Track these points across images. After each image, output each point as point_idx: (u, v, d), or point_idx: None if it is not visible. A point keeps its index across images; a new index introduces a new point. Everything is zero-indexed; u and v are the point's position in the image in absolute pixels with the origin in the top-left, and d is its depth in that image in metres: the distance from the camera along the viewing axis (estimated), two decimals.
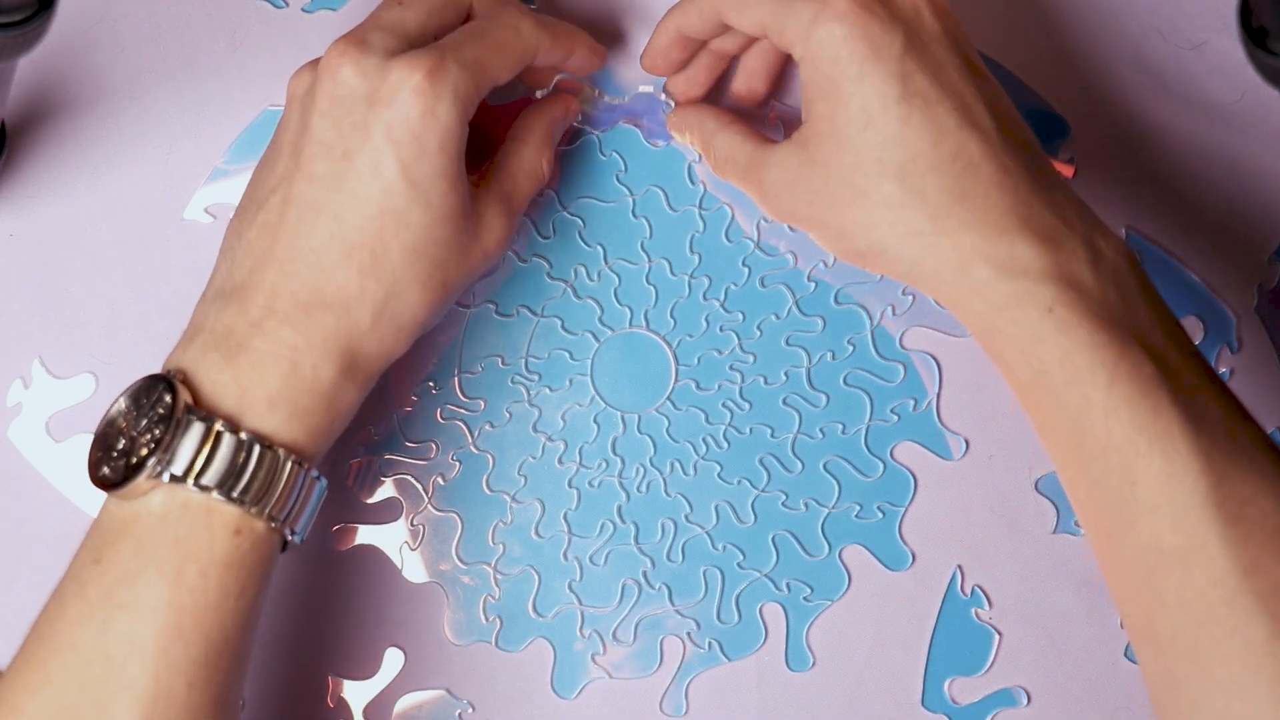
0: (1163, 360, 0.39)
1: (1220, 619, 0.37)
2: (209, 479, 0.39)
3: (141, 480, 0.38)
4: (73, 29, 0.50)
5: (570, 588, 0.49)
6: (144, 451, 0.39)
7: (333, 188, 0.41)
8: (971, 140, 0.40)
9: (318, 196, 0.41)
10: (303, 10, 0.51)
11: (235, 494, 0.39)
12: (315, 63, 0.42)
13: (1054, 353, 0.39)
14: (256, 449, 0.39)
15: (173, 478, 0.38)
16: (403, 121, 0.40)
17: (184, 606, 0.38)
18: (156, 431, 0.39)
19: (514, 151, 0.46)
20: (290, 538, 0.41)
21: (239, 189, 0.50)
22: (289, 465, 0.40)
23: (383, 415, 0.50)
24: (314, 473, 0.41)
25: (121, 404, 0.40)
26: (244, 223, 0.42)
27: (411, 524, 0.49)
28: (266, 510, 0.39)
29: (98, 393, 0.50)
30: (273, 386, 0.40)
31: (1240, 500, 0.37)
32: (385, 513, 0.50)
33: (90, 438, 0.49)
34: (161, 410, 0.39)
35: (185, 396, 0.39)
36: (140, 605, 0.38)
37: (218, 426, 0.39)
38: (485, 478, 0.49)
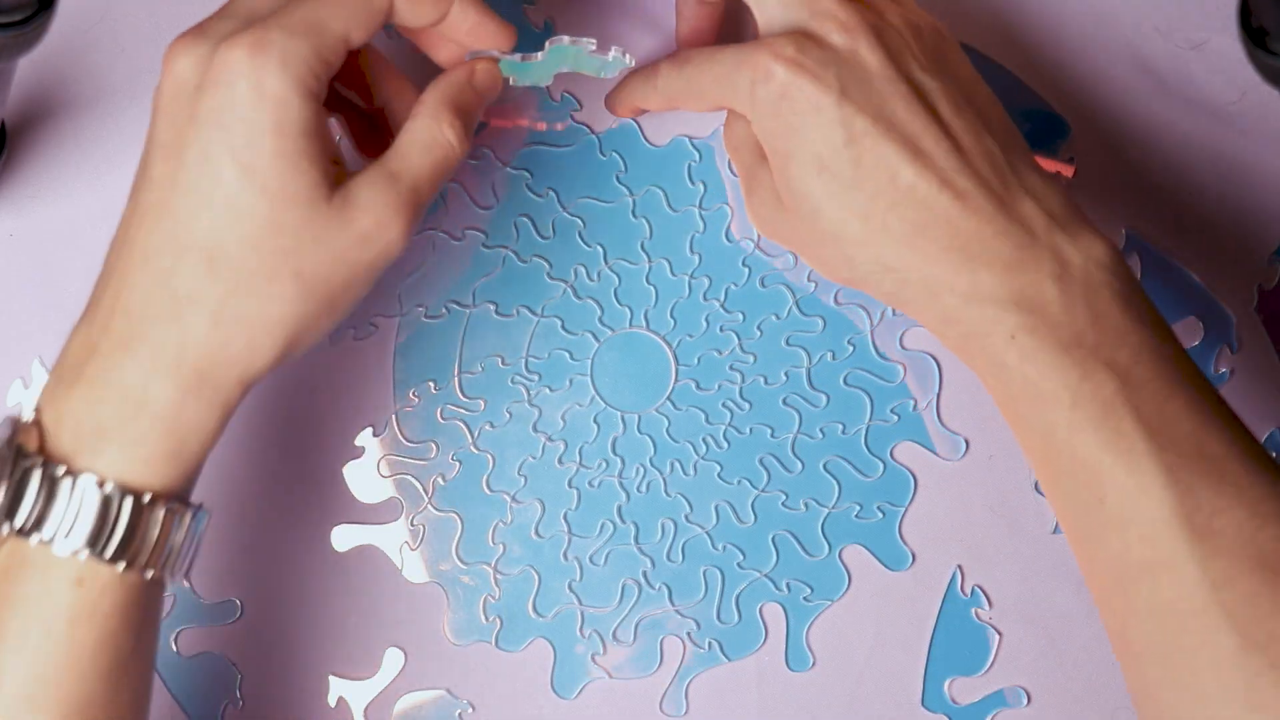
0: (1128, 375, 0.38)
1: (1191, 631, 0.37)
2: (47, 530, 0.36)
3: None
4: (73, 29, 0.50)
5: (570, 588, 0.49)
6: None
7: (169, 187, 0.37)
8: (923, 173, 0.40)
9: (157, 199, 0.38)
10: None
11: (69, 541, 0.36)
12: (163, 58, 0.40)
13: (1017, 379, 0.40)
14: (89, 491, 0.36)
15: (16, 530, 0.36)
16: (228, 105, 0.37)
17: (29, 673, 0.36)
18: (3, 482, 0.36)
19: (405, 128, 0.41)
20: (154, 575, 0.38)
21: None
22: (130, 502, 0.36)
23: (383, 415, 0.50)
24: (171, 504, 0.38)
25: None
26: (112, 236, 0.40)
27: (411, 524, 0.49)
28: (106, 554, 0.36)
29: None
30: (104, 416, 0.37)
31: (1209, 513, 0.37)
32: (385, 513, 0.50)
33: None
34: (4, 454, 0.36)
35: (29, 440, 0.37)
36: None
37: (52, 470, 0.36)
38: (485, 478, 0.49)
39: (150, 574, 0.38)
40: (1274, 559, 0.37)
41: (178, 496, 0.38)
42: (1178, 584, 0.37)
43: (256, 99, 0.37)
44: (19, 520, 0.36)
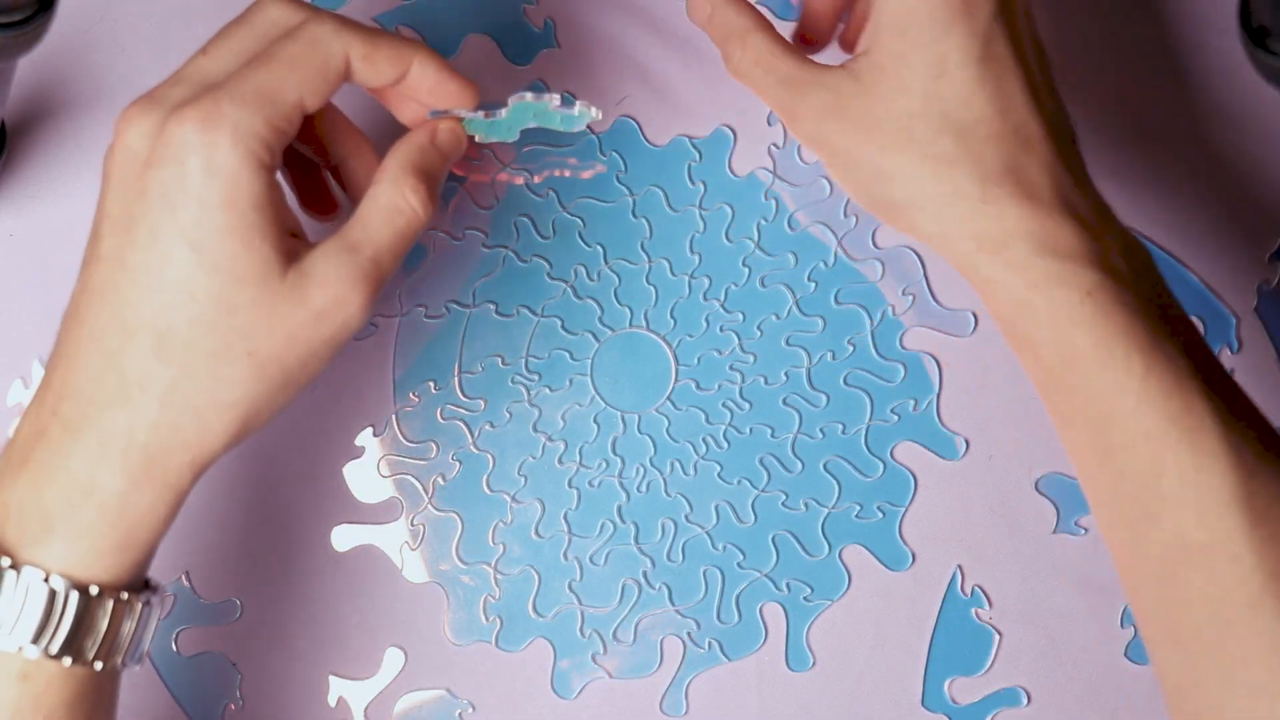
0: (1192, 351, 0.38)
1: (1245, 619, 0.36)
2: None
3: None
4: (73, 29, 0.50)
5: (570, 588, 0.49)
6: None
7: (117, 265, 0.36)
8: (1034, 118, 0.39)
9: (105, 277, 0.36)
10: None
11: (15, 637, 0.35)
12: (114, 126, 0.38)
13: (1090, 337, 0.38)
14: (34, 584, 0.35)
15: None
16: (176, 181, 0.35)
17: None
18: None
19: (368, 195, 0.39)
20: (104, 666, 0.37)
21: None
22: (73, 596, 0.35)
23: (383, 415, 0.50)
24: (122, 595, 0.36)
25: None
26: (64, 311, 0.38)
27: (411, 524, 0.49)
28: (54, 650, 0.35)
29: None
30: (50, 506, 0.35)
31: (1268, 499, 0.36)
32: (385, 513, 0.50)
33: None
34: None
35: None
36: None
37: None
38: (485, 478, 0.49)
39: (100, 665, 0.37)
40: None
41: (128, 585, 0.37)
42: (1234, 569, 0.36)
43: (207, 175, 0.35)
44: None
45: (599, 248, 0.50)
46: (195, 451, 0.37)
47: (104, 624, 0.36)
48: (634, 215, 0.50)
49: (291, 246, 0.37)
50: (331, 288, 0.37)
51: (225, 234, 0.36)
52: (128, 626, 0.37)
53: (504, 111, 0.43)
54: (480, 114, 0.42)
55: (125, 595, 0.37)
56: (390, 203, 0.39)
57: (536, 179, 0.50)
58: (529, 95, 0.43)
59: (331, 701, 0.49)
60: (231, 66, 0.37)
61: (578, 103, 0.43)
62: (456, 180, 0.50)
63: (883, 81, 0.40)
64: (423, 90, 0.40)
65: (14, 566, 0.35)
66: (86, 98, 0.50)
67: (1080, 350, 0.38)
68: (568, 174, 0.50)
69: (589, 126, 0.50)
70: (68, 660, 0.36)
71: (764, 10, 0.50)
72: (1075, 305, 0.38)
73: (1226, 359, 0.51)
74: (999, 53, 0.39)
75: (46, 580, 0.35)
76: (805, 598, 0.49)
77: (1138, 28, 0.52)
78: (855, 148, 0.40)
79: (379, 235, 0.38)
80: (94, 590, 0.36)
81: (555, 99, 0.43)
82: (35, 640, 0.35)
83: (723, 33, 0.43)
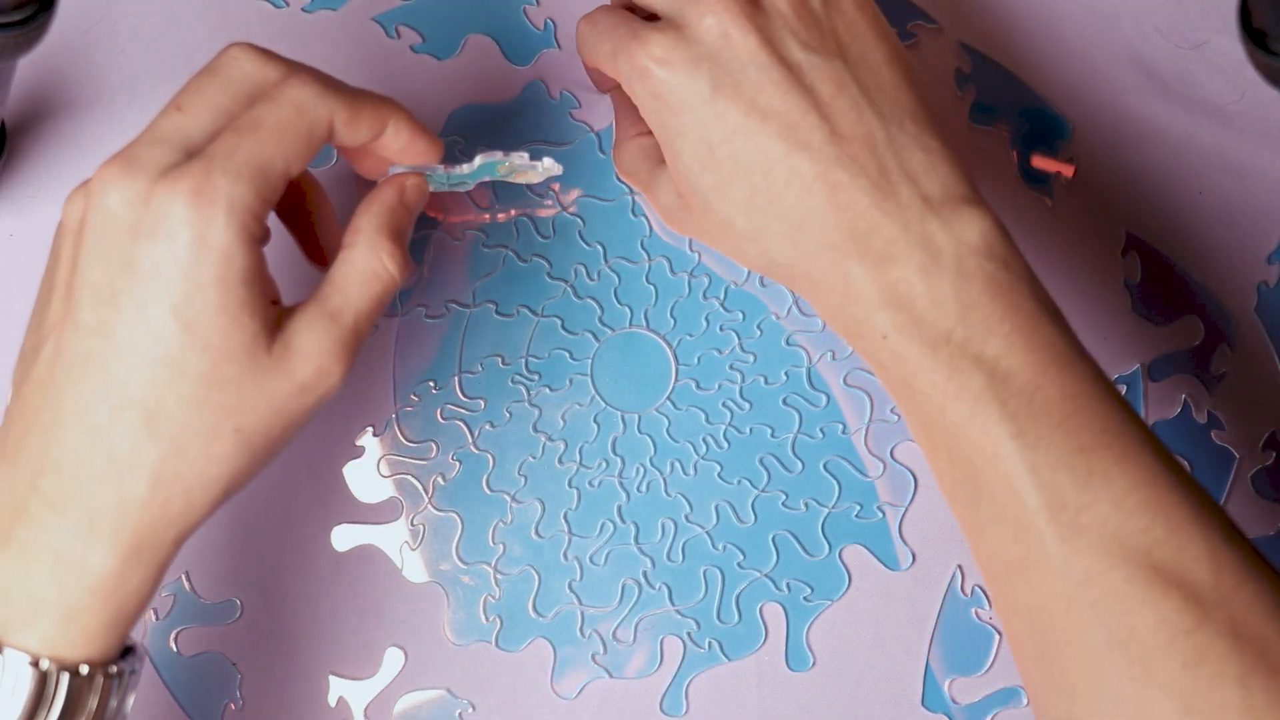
0: (995, 368, 0.38)
1: (1060, 629, 0.37)
2: None
3: None
4: (73, 29, 0.50)
5: (570, 588, 0.49)
6: None
7: (102, 337, 0.35)
8: (799, 163, 0.39)
9: (86, 348, 0.35)
10: (303, 10, 0.51)
11: None
12: (85, 186, 0.37)
13: (893, 378, 0.40)
14: (19, 670, 0.34)
15: None
16: (168, 256, 0.34)
17: None
18: None
19: (342, 259, 0.39)
20: None
21: None
22: (62, 679, 0.35)
23: (383, 415, 0.50)
24: (110, 668, 0.36)
25: None
26: (21, 374, 0.37)
27: (411, 524, 0.49)
28: None
29: None
30: (36, 587, 0.35)
31: (1075, 509, 0.37)
32: (385, 513, 0.50)
33: None
34: None
35: None
36: None
37: None
38: (485, 478, 0.49)
39: None
40: (1138, 551, 0.36)
41: (115, 659, 0.37)
42: (1047, 582, 0.37)
43: (200, 251, 0.35)
44: None
45: (599, 247, 0.50)
46: (181, 528, 0.36)
47: (94, 701, 0.36)
48: (634, 214, 0.50)
49: (273, 317, 0.37)
50: (315, 360, 0.37)
51: (216, 311, 0.35)
52: (114, 699, 0.36)
53: (468, 167, 0.43)
54: (441, 168, 0.42)
55: (114, 669, 0.36)
56: (367, 268, 0.39)
57: (501, 217, 0.50)
58: (499, 154, 0.43)
59: (331, 701, 0.49)
60: (210, 126, 0.36)
61: (544, 158, 0.44)
62: (430, 225, 0.50)
63: (685, 195, 0.42)
64: (394, 149, 0.40)
65: (2, 649, 0.35)
66: (86, 98, 0.50)
67: (893, 388, 0.40)
68: (538, 212, 0.50)
69: (588, 125, 0.50)
70: None
71: None
72: (876, 350, 0.40)
73: (1226, 359, 0.51)
74: (735, 123, 0.40)
75: (36, 664, 0.34)
76: (805, 598, 0.49)
77: (1137, 28, 0.52)
78: (703, 238, 0.44)
79: (358, 301, 0.38)
80: (84, 670, 0.35)
81: (524, 156, 0.43)
82: None
83: (616, 132, 0.47)
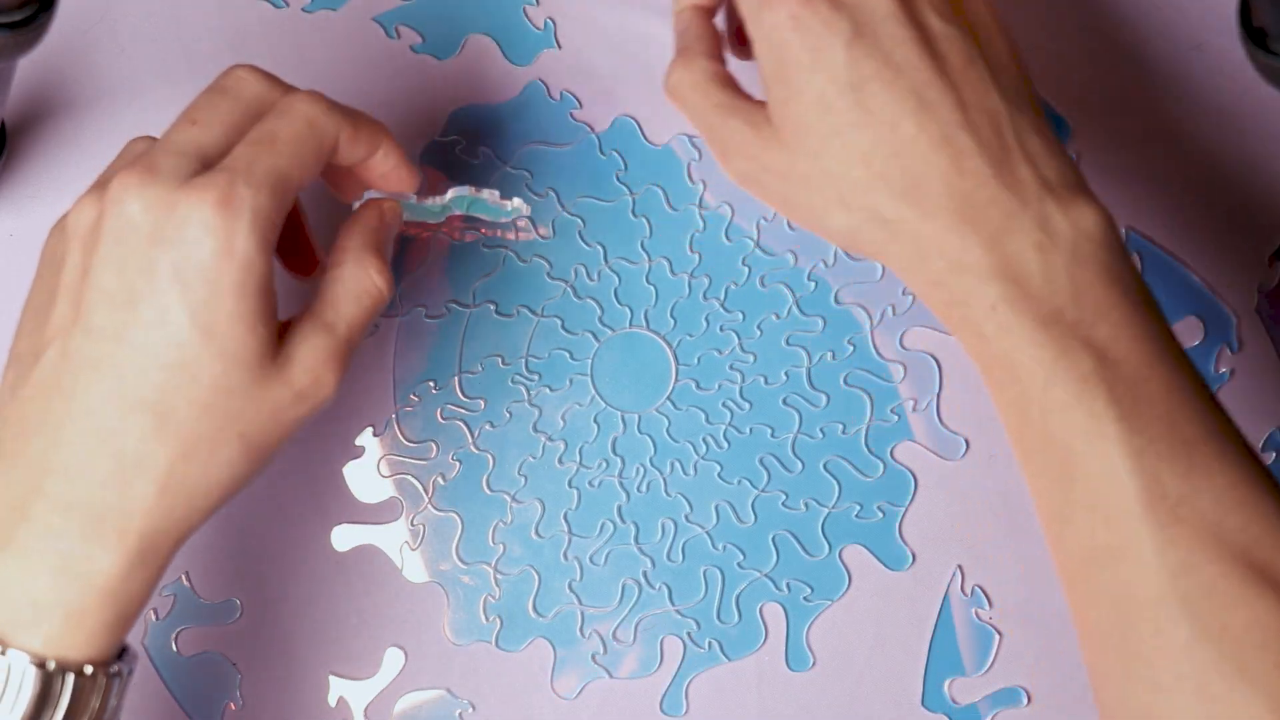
0: (1105, 353, 0.38)
1: (1147, 619, 0.37)
2: None
3: None
4: (73, 29, 0.50)
5: (570, 588, 0.49)
6: None
7: (114, 341, 0.35)
8: (928, 123, 0.39)
9: (97, 352, 0.36)
10: (303, 10, 0.51)
11: None
12: (100, 192, 0.37)
13: (994, 351, 0.39)
14: (25, 672, 0.35)
15: None
16: (192, 263, 0.35)
17: None
18: None
19: (334, 276, 0.40)
20: None
21: None
22: (67, 680, 0.35)
23: (383, 415, 0.50)
24: (112, 668, 0.36)
25: None
26: (19, 377, 0.37)
27: (411, 524, 0.49)
28: None
29: None
30: (40, 589, 0.35)
31: (1175, 500, 0.37)
32: (385, 513, 0.50)
33: None
34: None
35: None
36: None
37: None
38: (485, 478, 0.49)
39: None
40: (1236, 548, 0.36)
41: (114, 658, 0.37)
42: (1137, 571, 0.37)
43: (224, 259, 0.35)
44: None
45: (599, 247, 0.50)
46: (183, 530, 0.37)
47: (96, 701, 0.36)
48: (634, 214, 0.50)
49: (277, 328, 0.38)
50: (313, 370, 0.38)
51: (234, 319, 0.36)
52: (114, 698, 0.37)
53: (440, 200, 0.45)
54: (413, 198, 0.44)
55: (115, 668, 0.37)
56: (358, 284, 0.40)
57: (469, 237, 0.50)
58: (469, 189, 0.45)
59: (331, 701, 0.49)
60: (223, 140, 0.37)
61: (514, 199, 0.46)
62: (406, 238, 0.50)
63: (785, 126, 0.41)
64: (378, 172, 0.41)
65: (2, 652, 0.35)
66: (86, 98, 0.50)
67: (988, 363, 0.40)
68: (505, 235, 0.50)
69: (589, 126, 0.50)
70: None
71: None
72: (980, 321, 0.39)
73: (1226, 359, 0.51)
74: (867, 71, 0.39)
75: (41, 665, 0.35)
76: (805, 598, 0.49)
77: (1137, 28, 0.52)
78: (786, 192, 0.42)
79: (350, 315, 0.40)
80: (88, 670, 0.36)
81: (495, 194, 0.45)
82: None
83: (680, 45, 0.44)
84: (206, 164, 0.37)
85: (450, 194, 0.45)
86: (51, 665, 0.35)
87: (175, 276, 0.35)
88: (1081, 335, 0.38)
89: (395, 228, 0.43)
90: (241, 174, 0.36)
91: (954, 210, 0.39)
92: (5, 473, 0.36)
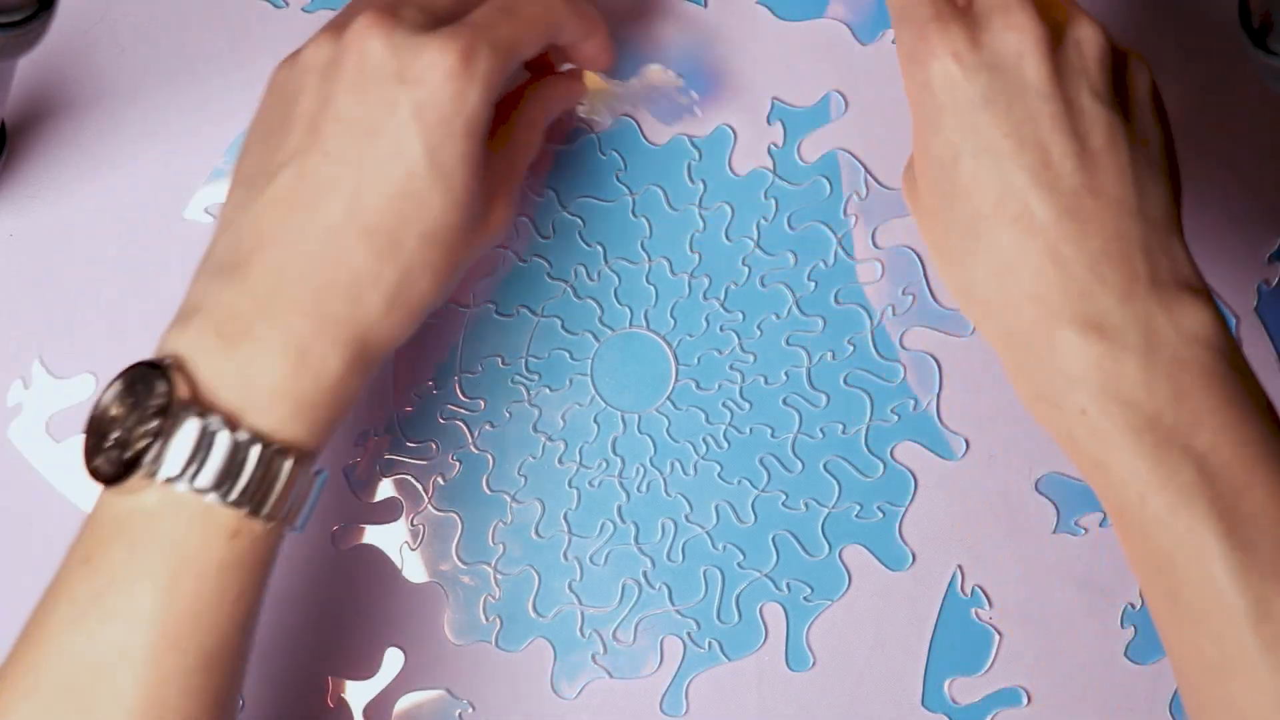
0: (1205, 461, 0.36)
1: None
2: (205, 480, 0.36)
3: (136, 478, 0.36)
4: (73, 29, 0.50)
5: (570, 588, 0.49)
6: (139, 446, 0.36)
7: (353, 166, 0.39)
8: (1039, 201, 0.38)
9: (335, 174, 0.39)
10: (303, 10, 0.51)
11: (233, 497, 0.37)
12: (335, 32, 0.40)
13: (1088, 458, 0.38)
14: (256, 449, 0.37)
15: (167, 478, 0.36)
16: (433, 104, 0.38)
17: (178, 614, 0.37)
18: (153, 425, 0.36)
19: (519, 123, 0.45)
20: (289, 531, 0.40)
21: None
22: (289, 464, 0.38)
23: (383, 415, 0.50)
24: (315, 467, 0.39)
25: (115, 390, 0.38)
26: (249, 195, 0.40)
27: (411, 524, 0.49)
28: (264, 512, 0.38)
29: (98, 393, 0.50)
30: (277, 378, 0.38)
31: None
32: (385, 513, 0.50)
33: None
34: (157, 402, 0.37)
35: (182, 389, 0.37)
36: (132, 613, 0.36)
37: (216, 424, 0.37)
38: (485, 478, 0.49)
39: (287, 531, 0.39)
40: None
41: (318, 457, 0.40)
42: (1248, 689, 0.36)
43: (459, 105, 0.39)
44: (173, 467, 0.36)
45: (599, 247, 0.50)
46: (392, 345, 0.40)
47: (302, 493, 0.39)
48: (634, 214, 0.50)
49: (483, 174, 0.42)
50: (501, 211, 0.43)
51: (460, 160, 0.39)
52: (312, 499, 0.40)
53: (624, 85, 0.50)
54: (602, 78, 0.49)
55: (318, 468, 0.40)
56: (526, 138, 0.45)
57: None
58: (657, 67, 0.50)
59: (331, 702, 0.49)
60: (454, 1, 0.41)
61: (692, 93, 0.50)
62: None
63: (921, 192, 0.41)
64: (585, 54, 0.46)
65: (236, 430, 0.37)
66: (86, 98, 0.50)
67: (1084, 464, 0.38)
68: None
69: (588, 126, 0.50)
70: (271, 523, 0.38)
71: (763, 10, 0.51)
72: (1071, 423, 0.38)
73: None
74: (989, 141, 0.38)
75: (269, 446, 0.37)
76: (805, 598, 0.49)
77: (1137, 28, 0.52)
78: (926, 239, 0.42)
79: (518, 168, 0.45)
80: (305, 461, 0.38)
81: (680, 81, 0.50)
82: (251, 502, 0.37)
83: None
84: (438, 19, 0.40)
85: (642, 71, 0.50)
86: (277, 448, 0.37)
87: (416, 114, 0.38)
88: (1180, 442, 0.36)
89: (575, 101, 0.49)
90: (484, 33, 0.39)
91: (1044, 300, 0.38)
92: (245, 277, 0.38)
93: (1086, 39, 0.40)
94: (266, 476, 0.37)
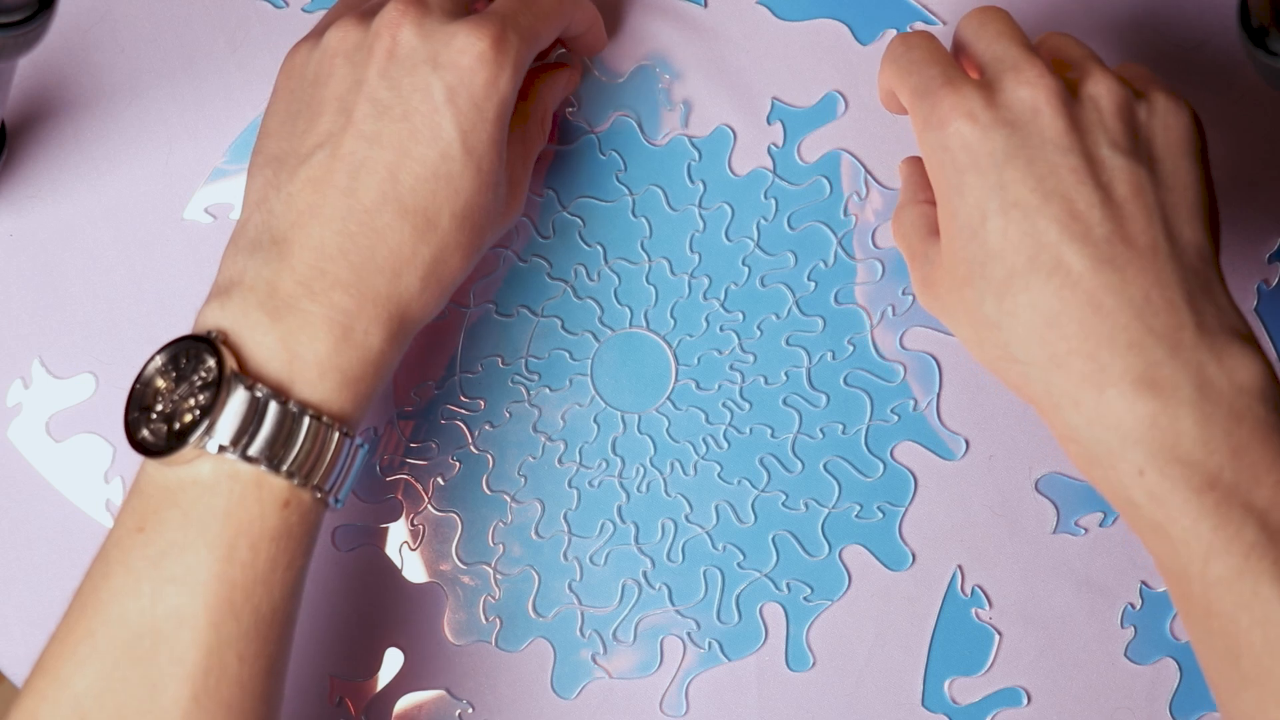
0: (1266, 519, 0.35)
1: None
2: (256, 450, 0.38)
3: (187, 449, 0.37)
4: (73, 29, 0.50)
5: (570, 588, 0.49)
6: (188, 418, 0.38)
7: (388, 147, 0.40)
8: (1073, 252, 0.37)
9: (371, 155, 0.40)
10: (303, 10, 0.51)
11: (285, 467, 0.38)
12: (360, 18, 0.41)
13: (1146, 520, 0.37)
14: (306, 420, 0.38)
15: (219, 447, 0.37)
16: (466, 88, 0.40)
17: (234, 581, 0.38)
18: (201, 398, 0.38)
19: (530, 117, 0.47)
20: (333, 505, 0.41)
21: (239, 189, 0.50)
22: (337, 436, 0.39)
23: (383, 415, 0.50)
24: (358, 440, 0.41)
25: (159, 362, 0.39)
26: (282, 175, 0.41)
27: (411, 524, 0.49)
28: (314, 482, 0.39)
29: (98, 393, 0.50)
30: (323, 352, 0.39)
31: None
32: (385, 513, 0.50)
33: (91, 437, 0.50)
34: (205, 375, 0.38)
35: (231, 362, 0.38)
36: (190, 579, 0.37)
37: (265, 396, 0.38)
38: (485, 478, 0.49)
39: (334, 502, 0.40)
40: None
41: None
42: None
43: (491, 90, 0.40)
44: (225, 437, 0.37)
45: (599, 247, 0.50)
46: (424, 320, 0.42)
47: (349, 465, 0.40)
48: (634, 215, 0.50)
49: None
50: (518, 193, 0.45)
51: (490, 144, 0.41)
52: (355, 471, 0.41)
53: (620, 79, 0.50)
54: (598, 76, 0.50)
55: (360, 440, 0.41)
56: (539, 126, 0.47)
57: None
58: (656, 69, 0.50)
59: (331, 701, 0.49)
60: None
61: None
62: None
63: (945, 251, 0.40)
64: (583, 42, 0.48)
65: (286, 402, 0.38)
66: (86, 98, 0.50)
67: (1141, 526, 0.37)
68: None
69: (588, 126, 0.50)
70: (319, 494, 0.39)
71: (763, 10, 0.51)
72: (1126, 485, 0.37)
73: None
74: (1016, 196, 0.38)
75: (319, 418, 0.38)
76: (805, 598, 0.49)
77: (1136, 28, 0.52)
78: (948, 318, 0.42)
79: (535, 143, 0.47)
80: (350, 432, 0.40)
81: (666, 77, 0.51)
82: (302, 473, 0.38)
83: (900, 197, 0.47)
84: (462, 9, 0.42)
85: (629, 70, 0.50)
86: (327, 420, 0.39)
87: (449, 98, 0.40)
88: (1241, 500, 0.36)
89: (571, 90, 0.50)
90: (511, 22, 0.41)
91: (1091, 354, 0.37)
92: (286, 254, 0.39)
93: (1101, 94, 0.39)
94: (315, 447, 0.39)
